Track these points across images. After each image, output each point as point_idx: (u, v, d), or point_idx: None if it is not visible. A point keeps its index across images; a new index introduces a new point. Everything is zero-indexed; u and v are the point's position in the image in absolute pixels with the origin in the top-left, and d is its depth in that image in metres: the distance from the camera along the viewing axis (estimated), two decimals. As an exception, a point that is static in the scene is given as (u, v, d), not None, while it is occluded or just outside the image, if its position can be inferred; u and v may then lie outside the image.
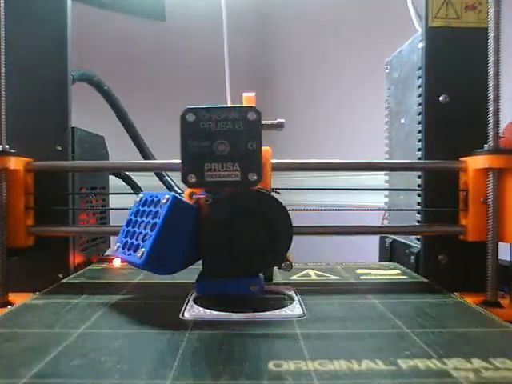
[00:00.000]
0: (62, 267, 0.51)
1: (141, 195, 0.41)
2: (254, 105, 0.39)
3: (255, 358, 0.28)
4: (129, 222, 0.41)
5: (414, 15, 0.60)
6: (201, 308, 0.39)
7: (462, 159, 0.48)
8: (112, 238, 0.72)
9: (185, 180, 0.39)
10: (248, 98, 0.41)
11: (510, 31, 0.54)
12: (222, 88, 1.00)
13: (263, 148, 0.42)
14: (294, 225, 0.40)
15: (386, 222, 0.69)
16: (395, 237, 0.63)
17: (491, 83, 0.44)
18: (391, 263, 0.61)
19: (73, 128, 0.53)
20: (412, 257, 0.54)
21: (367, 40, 1.61)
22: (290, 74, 1.94)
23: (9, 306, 0.42)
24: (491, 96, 0.44)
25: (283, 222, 0.39)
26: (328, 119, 1.72)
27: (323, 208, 0.53)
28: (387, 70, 0.68)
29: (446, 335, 0.32)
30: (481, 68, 0.46)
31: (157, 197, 0.39)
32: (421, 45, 0.52)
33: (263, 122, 0.40)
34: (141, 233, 0.38)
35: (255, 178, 0.38)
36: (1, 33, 0.44)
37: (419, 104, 0.53)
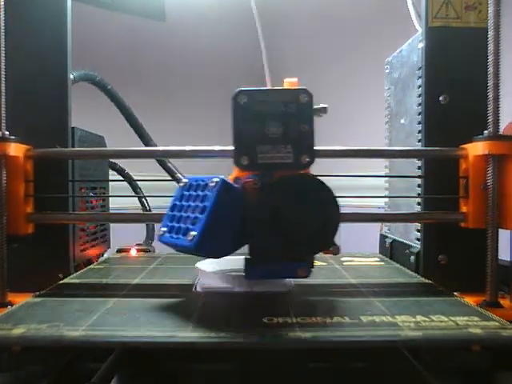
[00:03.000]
0: (62, 267, 0.51)
1: (185, 180, 0.41)
2: (305, 88, 0.39)
3: (253, 315, 0.37)
4: (173, 207, 0.41)
5: (414, 15, 0.60)
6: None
7: (462, 146, 0.48)
8: (112, 238, 0.72)
9: (238, 162, 0.38)
10: (290, 84, 0.41)
11: (510, 30, 0.54)
12: (222, 87, 1.00)
13: None
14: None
15: (385, 227, 0.69)
16: (395, 237, 0.63)
17: (491, 70, 0.44)
18: (374, 253, 0.67)
19: (73, 128, 0.53)
20: (412, 257, 0.54)
21: (367, 40, 1.61)
22: (289, 73, 1.93)
23: (9, 306, 0.42)
24: (491, 82, 0.44)
25: (333, 207, 0.39)
26: (328, 119, 1.71)
27: None
28: (387, 70, 0.68)
29: (403, 302, 0.41)
30: (481, 68, 0.46)
31: (203, 181, 0.39)
32: (421, 45, 0.52)
33: None
34: (189, 217, 0.38)
35: (308, 160, 0.38)
36: (1, 33, 0.44)
37: (419, 104, 0.53)
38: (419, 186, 0.53)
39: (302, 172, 0.39)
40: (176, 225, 0.39)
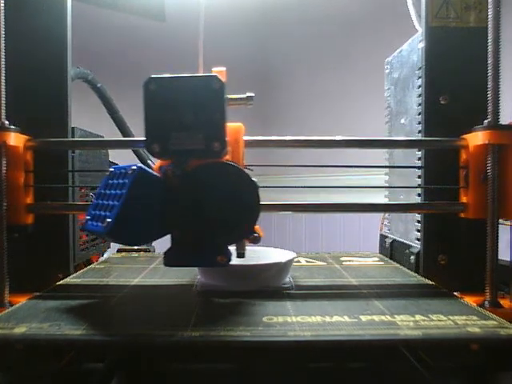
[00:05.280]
0: (62, 267, 0.51)
1: (111, 169, 0.41)
2: (217, 74, 0.38)
3: (253, 315, 0.37)
4: (98, 196, 0.40)
5: (414, 15, 0.60)
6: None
7: (462, 136, 0.48)
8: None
9: (149, 149, 0.38)
10: (218, 72, 0.40)
11: (510, 30, 0.54)
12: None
13: (236, 125, 0.42)
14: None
15: (385, 227, 0.69)
16: (395, 237, 0.63)
17: (490, 61, 0.44)
18: (373, 253, 0.67)
19: (73, 128, 0.53)
20: (412, 257, 0.54)
21: (367, 40, 1.61)
22: (289, 73, 1.94)
23: (7, 305, 0.42)
24: (490, 73, 0.44)
25: (251, 195, 0.39)
26: (327, 120, 1.72)
27: (317, 186, 0.53)
28: (387, 70, 0.68)
29: (402, 302, 0.41)
30: (481, 68, 0.46)
31: (124, 169, 0.38)
32: (421, 45, 0.52)
33: (233, 96, 0.40)
34: (108, 204, 0.38)
35: (219, 146, 0.38)
36: (1, 33, 0.44)
37: (419, 104, 0.53)
38: (419, 185, 0.53)
39: (221, 160, 0.39)
40: (98, 212, 0.39)
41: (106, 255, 0.69)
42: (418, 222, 0.53)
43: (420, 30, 0.53)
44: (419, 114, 0.53)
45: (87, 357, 0.40)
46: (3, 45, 0.44)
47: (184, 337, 0.32)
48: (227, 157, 0.40)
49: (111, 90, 0.70)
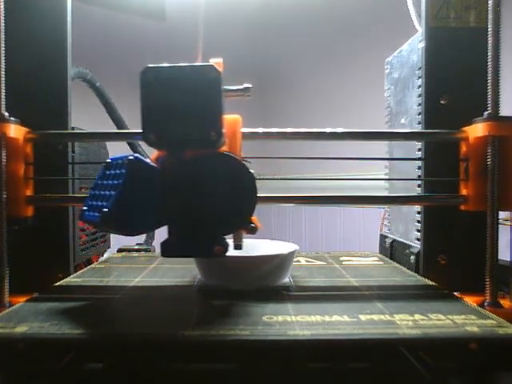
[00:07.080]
0: (61, 267, 0.51)
1: (108, 160, 0.41)
2: (213, 64, 0.38)
3: (253, 314, 0.37)
4: (95, 186, 0.40)
5: (414, 15, 0.60)
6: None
7: (462, 129, 0.48)
8: (112, 237, 0.72)
9: (146, 139, 0.38)
10: (215, 63, 0.39)
11: (510, 30, 0.54)
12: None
13: (233, 117, 0.41)
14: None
15: (385, 227, 0.69)
16: (395, 237, 0.63)
17: (490, 52, 0.44)
18: (372, 252, 0.67)
19: (73, 128, 0.53)
20: (412, 257, 0.54)
21: (367, 40, 1.61)
22: (289, 74, 1.94)
23: (7, 304, 0.42)
24: (490, 65, 0.44)
25: (248, 186, 0.39)
26: (326, 120, 1.72)
27: (317, 178, 0.53)
28: (387, 70, 0.68)
29: (401, 301, 0.41)
30: (481, 67, 0.46)
31: (121, 159, 0.39)
32: (421, 45, 0.52)
33: (230, 87, 0.40)
34: (105, 195, 0.38)
35: (215, 136, 0.37)
36: (1, 33, 0.44)
37: (419, 104, 0.53)
38: (419, 186, 0.53)
39: (218, 150, 0.39)
40: (95, 203, 0.39)
41: (106, 255, 0.69)
42: (418, 222, 0.54)
43: (420, 29, 0.53)
44: (419, 114, 0.53)
45: (87, 357, 0.40)
46: (3, 44, 0.44)
47: (184, 337, 0.32)
48: (225, 148, 0.40)
49: (111, 89, 0.70)
